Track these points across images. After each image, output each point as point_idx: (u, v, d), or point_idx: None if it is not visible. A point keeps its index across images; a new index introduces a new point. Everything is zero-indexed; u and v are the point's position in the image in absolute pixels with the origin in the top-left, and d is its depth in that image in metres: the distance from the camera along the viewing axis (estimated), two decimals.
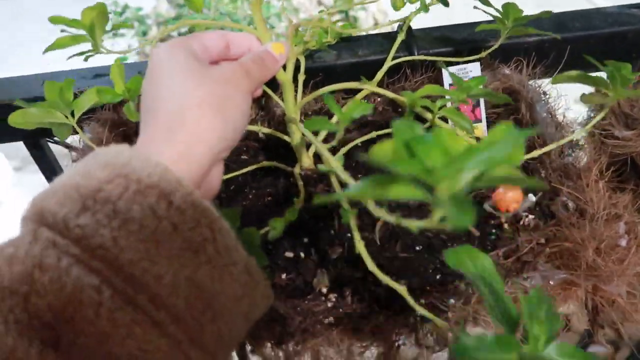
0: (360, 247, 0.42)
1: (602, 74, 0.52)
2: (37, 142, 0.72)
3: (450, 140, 0.29)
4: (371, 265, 0.41)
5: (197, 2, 0.60)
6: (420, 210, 0.56)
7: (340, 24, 0.65)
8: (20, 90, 0.66)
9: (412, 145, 0.28)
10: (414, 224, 0.34)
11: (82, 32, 0.57)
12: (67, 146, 0.70)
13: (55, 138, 0.74)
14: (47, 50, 0.57)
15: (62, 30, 0.58)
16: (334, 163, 0.43)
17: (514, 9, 0.56)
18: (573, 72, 0.54)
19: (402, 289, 0.40)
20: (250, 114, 0.65)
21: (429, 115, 0.51)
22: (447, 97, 0.50)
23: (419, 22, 0.65)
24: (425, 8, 0.61)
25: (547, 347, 0.32)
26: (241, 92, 0.38)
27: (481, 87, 0.51)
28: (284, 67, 0.54)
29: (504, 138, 0.28)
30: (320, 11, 0.62)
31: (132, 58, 2.36)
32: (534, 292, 0.35)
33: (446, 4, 0.62)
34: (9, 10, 3.18)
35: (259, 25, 0.47)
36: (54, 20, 0.56)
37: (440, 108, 0.50)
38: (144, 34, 2.65)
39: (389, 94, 0.54)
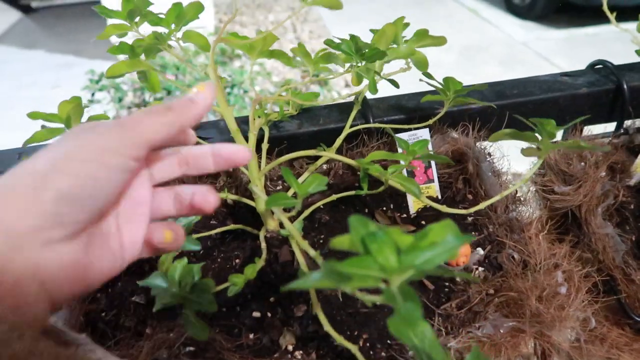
0: (317, 309, 0.45)
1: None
2: None
3: (399, 237, 0.34)
4: (326, 326, 0.44)
5: (154, 83, 0.65)
6: None
7: (305, 89, 0.71)
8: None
9: (366, 242, 0.33)
10: (371, 299, 0.38)
11: (59, 125, 0.60)
12: None
13: None
14: (26, 143, 0.60)
15: (42, 126, 0.62)
16: (294, 230, 0.47)
17: (453, 82, 0.63)
18: (507, 130, 0.60)
19: (353, 347, 0.43)
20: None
21: (382, 178, 0.56)
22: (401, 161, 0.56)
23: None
24: (373, 89, 0.67)
25: None
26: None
27: (429, 150, 0.57)
28: (246, 138, 0.59)
29: (445, 240, 0.33)
30: (282, 86, 0.68)
31: None
32: (471, 355, 0.38)
33: (396, 86, 0.69)
34: None
35: (222, 105, 0.52)
36: (33, 116, 0.60)
37: (392, 173, 0.55)
38: (120, 100, 2.71)
39: (345, 160, 0.59)
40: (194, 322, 0.46)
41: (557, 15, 4.17)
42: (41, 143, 0.57)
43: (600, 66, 0.78)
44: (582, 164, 0.68)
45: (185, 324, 0.47)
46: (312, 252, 0.42)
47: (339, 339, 0.44)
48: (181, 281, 0.47)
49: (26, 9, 5.25)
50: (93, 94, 2.69)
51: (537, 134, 0.58)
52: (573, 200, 0.65)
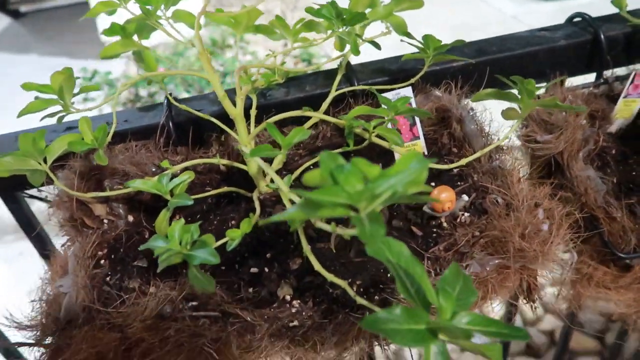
0: (307, 250, 0.47)
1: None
2: (14, 195, 0.76)
3: (366, 168, 0.36)
4: (317, 266, 0.47)
5: (150, 62, 0.67)
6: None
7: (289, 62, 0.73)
8: None
9: (334, 174, 0.35)
10: (347, 232, 0.41)
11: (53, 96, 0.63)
12: (42, 199, 0.75)
13: (30, 192, 0.79)
14: (20, 114, 0.62)
15: (36, 97, 0.64)
16: (282, 184, 0.49)
17: (432, 39, 0.65)
18: (489, 90, 0.62)
19: (343, 283, 0.46)
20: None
21: (367, 135, 0.59)
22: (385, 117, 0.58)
23: (360, 58, 0.73)
24: (356, 51, 0.68)
25: (456, 318, 0.37)
26: None
27: (411, 106, 0.59)
28: (234, 103, 0.61)
29: (409, 166, 0.35)
30: (267, 55, 0.70)
31: None
32: (449, 271, 0.41)
33: (378, 47, 0.71)
34: None
35: (209, 72, 0.54)
36: (26, 87, 0.62)
37: (375, 127, 0.57)
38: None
39: (330, 119, 0.61)
40: (199, 276, 0.49)
41: None
42: (36, 113, 0.60)
43: (578, 19, 0.80)
44: (564, 113, 0.70)
45: (191, 279, 0.50)
46: (297, 199, 0.44)
47: (330, 277, 0.46)
48: (181, 240, 0.49)
49: (15, 14, 5.24)
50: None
51: (517, 93, 0.60)
52: (555, 148, 0.67)
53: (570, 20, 0.80)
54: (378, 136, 0.60)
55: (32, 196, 0.81)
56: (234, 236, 0.52)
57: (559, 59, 0.76)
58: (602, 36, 0.74)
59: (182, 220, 0.51)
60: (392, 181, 0.34)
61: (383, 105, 0.59)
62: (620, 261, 0.63)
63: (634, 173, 0.68)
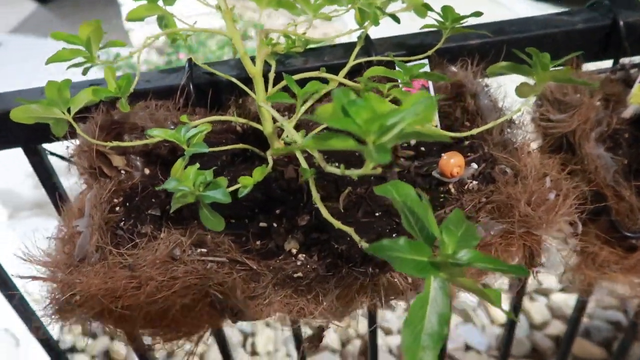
0: (316, 197, 0.49)
1: None
2: (36, 148, 0.79)
3: (378, 103, 0.37)
4: (325, 213, 0.48)
5: (172, 27, 0.69)
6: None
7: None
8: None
9: (346, 107, 0.36)
10: (354, 172, 0.42)
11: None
12: (61, 157, 0.77)
13: (51, 149, 0.81)
14: (49, 61, 0.64)
15: (64, 48, 0.66)
16: (296, 135, 0.51)
17: (451, 11, 0.66)
18: (504, 63, 0.63)
19: (350, 229, 0.47)
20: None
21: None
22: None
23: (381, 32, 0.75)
24: (376, 22, 0.70)
25: (458, 253, 0.38)
26: None
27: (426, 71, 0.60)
28: (254, 61, 0.63)
29: (417, 101, 0.36)
30: (289, 24, 0.72)
31: None
32: (453, 214, 0.42)
33: (397, 21, 0.72)
34: None
35: (231, 30, 0.56)
36: (55, 35, 0.65)
37: (389, 89, 0.58)
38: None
39: (347, 82, 0.62)
40: (209, 216, 0.50)
41: None
42: (63, 63, 0.62)
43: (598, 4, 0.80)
44: (578, 95, 0.71)
45: (202, 219, 0.51)
46: (318, 155, 0.45)
47: (337, 224, 0.48)
48: (195, 182, 0.51)
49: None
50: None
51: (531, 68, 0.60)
52: (568, 126, 0.67)
53: (591, 5, 0.81)
54: (392, 101, 0.62)
55: (52, 153, 0.84)
56: (246, 183, 0.53)
57: (576, 43, 0.76)
58: (620, 22, 0.75)
59: (197, 165, 0.52)
60: (401, 115, 0.35)
61: (398, 68, 0.60)
62: (625, 241, 0.63)
63: None
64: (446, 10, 0.65)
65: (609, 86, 0.74)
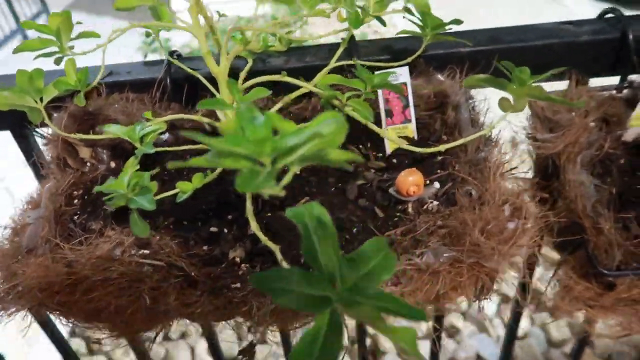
0: (249, 210, 0.47)
1: None
2: (23, 132, 0.80)
3: (280, 122, 0.34)
4: (254, 226, 0.46)
5: (164, 17, 0.68)
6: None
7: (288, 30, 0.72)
8: None
9: (244, 125, 0.34)
10: (266, 192, 0.39)
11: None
12: (45, 137, 0.78)
13: (38, 130, 0.82)
14: (16, 50, 0.64)
15: (38, 37, 0.66)
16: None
17: (431, 17, 0.61)
18: (482, 76, 0.58)
19: (275, 246, 0.45)
20: None
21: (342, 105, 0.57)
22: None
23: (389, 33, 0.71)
24: (356, 24, 0.66)
25: (356, 289, 0.35)
26: None
27: (390, 82, 0.57)
28: (217, 62, 0.61)
29: (323, 121, 0.33)
30: (275, 19, 0.69)
31: None
32: (369, 244, 0.39)
33: (383, 24, 0.68)
34: None
35: (195, 26, 0.54)
36: (25, 25, 0.65)
37: (348, 99, 0.55)
38: None
39: (311, 88, 0.59)
40: (137, 221, 0.49)
41: None
42: (32, 52, 0.62)
43: (611, 15, 0.73)
44: (572, 113, 0.65)
45: (131, 223, 0.50)
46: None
47: (263, 239, 0.46)
48: (129, 183, 0.50)
49: None
50: (145, 55, 2.82)
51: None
52: (553, 147, 0.62)
53: (602, 15, 0.74)
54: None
55: (37, 133, 0.85)
56: (184, 189, 0.52)
57: (579, 55, 0.70)
58: (630, 35, 0.68)
59: (137, 167, 0.51)
60: (302, 136, 0.32)
61: (359, 76, 0.57)
62: (602, 277, 0.58)
63: (638, 187, 0.62)
64: (425, 16, 0.61)
65: (610, 105, 0.68)
